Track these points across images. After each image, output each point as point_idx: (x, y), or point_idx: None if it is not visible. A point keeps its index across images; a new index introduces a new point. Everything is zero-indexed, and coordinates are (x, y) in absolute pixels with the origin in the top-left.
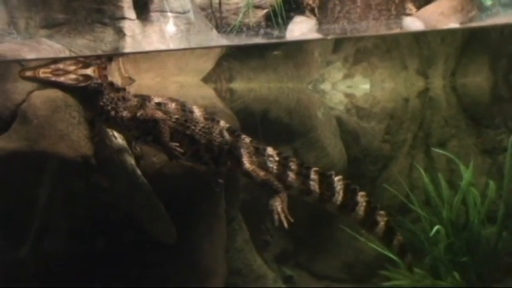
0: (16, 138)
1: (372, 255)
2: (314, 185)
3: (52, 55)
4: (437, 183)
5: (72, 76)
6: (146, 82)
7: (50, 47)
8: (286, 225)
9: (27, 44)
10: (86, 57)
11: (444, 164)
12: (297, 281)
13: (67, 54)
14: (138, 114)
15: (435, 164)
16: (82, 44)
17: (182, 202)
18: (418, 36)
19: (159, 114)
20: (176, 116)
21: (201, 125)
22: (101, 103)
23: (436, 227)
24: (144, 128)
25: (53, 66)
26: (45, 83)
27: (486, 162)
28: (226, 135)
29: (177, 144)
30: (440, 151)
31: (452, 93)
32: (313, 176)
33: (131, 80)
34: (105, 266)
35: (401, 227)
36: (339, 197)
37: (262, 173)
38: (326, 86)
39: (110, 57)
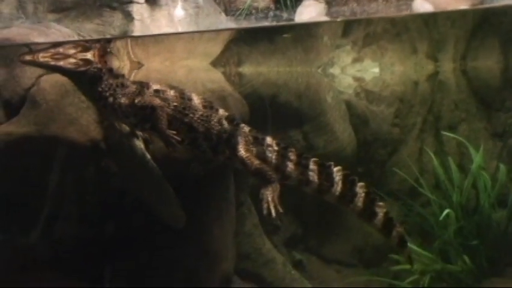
0: (25, 123)
1: (381, 239)
2: (313, 175)
3: (61, 39)
4: (448, 167)
5: (72, 60)
6: (155, 66)
7: (59, 31)
8: (274, 214)
9: (36, 28)
10: (90, 41)
11: (454, 147)
12: (306, 265)
13: (75, 38)
14: (136, 101)
15: (445, 148)
16: (90, 28)
17: (192, 186)
18: (427, 19)
19: (157, 101)
20: (175, 104)
21: (200, 113)
22: (100, 89)
23: (446, 211)
24: (142, 115)
25: (52, 50)
26: (45, 67)
27: (497, 146)
28: (225, 123)
29: (175, 132)
30: (451, 135)
31: (462, 77)
32: (312, 166)
33: (140, 64)
34: (115, 250)
35: (411, 211)
36: (338, 187)
37: (256, 162)
38: (335, 70)
39: (109, 40)
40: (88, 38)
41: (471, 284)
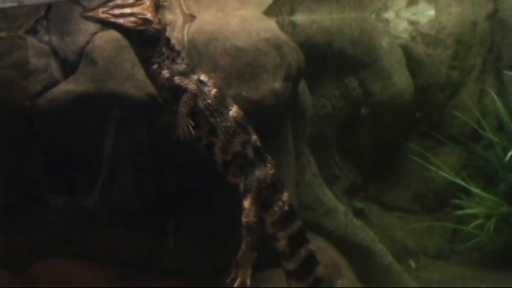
0: (83, 81)
1: (443, 184)
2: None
3: None
4: (510, 107)
5: (132, 18)
6: (208, 18)
7: None
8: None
9: None
10: None
11: None
12: (367, 213)
13: None
14: (176, 77)
15: (507, 88)
16: None
17: None
18: None
19: (192, 86)
20: (209, 101)
21: (228, 124)
22: (150, 52)
23: (510, 153)
24: (174, 94)
25: (111, 4)
26: (104, 24)
27: None
28: (250, 151)
29: (193, 123)
30: None
31: None
32: (303, 252)
33: (193, 17)
34: (176, 207)
35: (473, 154)
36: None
37: (252, 218)
38: (390, 15)
39: None
40: None
41: None
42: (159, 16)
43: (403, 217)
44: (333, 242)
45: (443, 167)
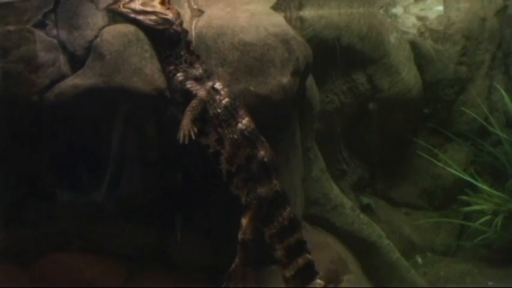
0: (91, 75)
1: (451, 180)
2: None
3: None
4: None
5: (153, 17)
6: (216, 13)
7: None
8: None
9: None
10: None
11: None
12: (375, 209)
13: None
14: (188, 82)
15: None
16: None
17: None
18: None
19: (202, 93)
20: (219, 110)
21: (236, 137)
22: (168, 52)
23: None
24: (186, 98)
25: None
26: (125, 18)
27: None
28: (255, 168)
29: (196, 130)
30: None
31: None
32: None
33: (201, 12)
34: (184, 201)
35: (481, 150)
36: None
37: (249, 236)
38: (398, 10)
39: None
40: None
41: None
42: (181, 19)
43: (410, 213)
44: (339, 237)
45: (451, 163)
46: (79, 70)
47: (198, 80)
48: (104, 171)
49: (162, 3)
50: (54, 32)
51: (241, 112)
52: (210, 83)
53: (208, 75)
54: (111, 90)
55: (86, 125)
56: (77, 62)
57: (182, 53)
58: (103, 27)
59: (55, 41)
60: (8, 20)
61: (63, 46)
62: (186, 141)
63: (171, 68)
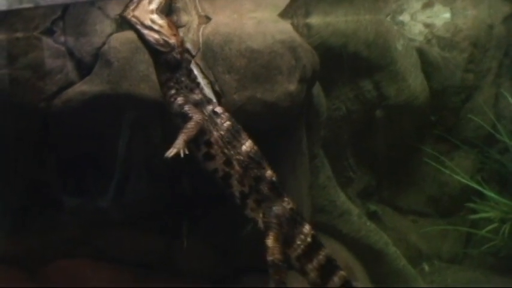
0: (99, 82)
1: (458, 187)
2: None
3: None
4: None
5: (155, 35)
6: (223, 19)
7: None
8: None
9: None
10: None
11: None
12: (381, 216)
13: None
14: (186, 105)
15: None
16: None
17: (265, 139)
18: None
19: (199, 116)
20: (222, 132)
21: (242, 158)
22: (168, 74)
23: None
24: (183, 121)
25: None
26: (130, 27)
27: None
28: (265, 188)
29: (187, 151)
30: None
31: None
32: (336, 279)
33: (208, 19)
34: (191, 207)
35: (488, 158)
36: None
37: (278, 256)
38: (405, 17)
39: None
40: None
41: None
42: (185, 47)
43: (417, 220)
44: (346, 244)
45: (458, 171)
46: (86, 77)
47: (197, 104)
48: (110, 178)
49: (170, 26)
50: (62, 39)
51: (243, 135)
52: (210, 107)
53: (208, 100)
54: (119, 97)
55: (93, 131)
56: (84, 69)
57: (183, 79)
58: (111, 34)
59: (63, 48)
60: (16, 27)
61: (70, 53)
62: (170, 159)
63: (172, 92)
